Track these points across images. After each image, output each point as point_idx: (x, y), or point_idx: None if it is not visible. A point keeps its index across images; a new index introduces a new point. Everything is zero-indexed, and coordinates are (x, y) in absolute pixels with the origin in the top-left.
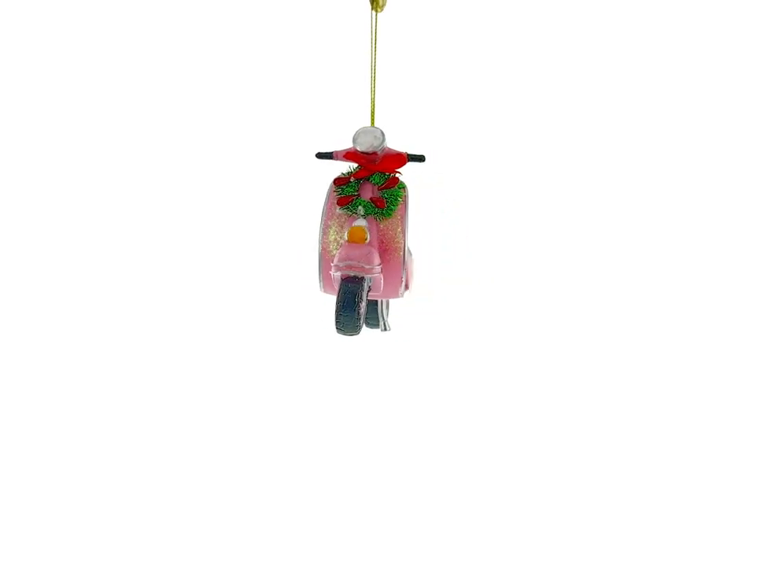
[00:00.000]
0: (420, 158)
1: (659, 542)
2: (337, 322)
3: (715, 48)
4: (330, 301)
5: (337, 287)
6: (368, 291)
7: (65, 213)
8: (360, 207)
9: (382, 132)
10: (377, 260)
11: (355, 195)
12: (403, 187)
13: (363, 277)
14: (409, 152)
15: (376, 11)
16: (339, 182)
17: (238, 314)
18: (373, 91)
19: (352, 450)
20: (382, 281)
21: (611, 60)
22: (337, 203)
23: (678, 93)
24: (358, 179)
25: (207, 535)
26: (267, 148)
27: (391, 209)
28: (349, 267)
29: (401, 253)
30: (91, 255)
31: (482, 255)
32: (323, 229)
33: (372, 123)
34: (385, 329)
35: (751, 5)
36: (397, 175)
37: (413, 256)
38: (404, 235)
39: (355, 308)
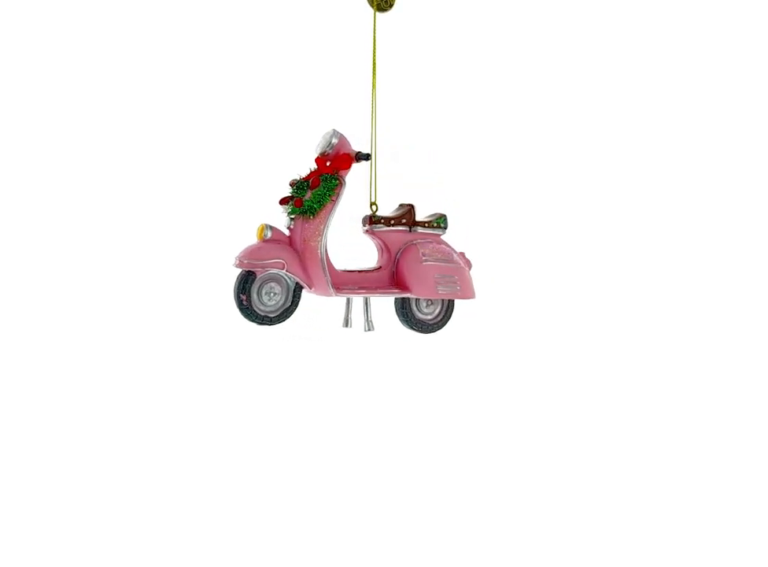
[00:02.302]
0: (365, 157)
1: (661, 543)
2: None
3: (715, 48)
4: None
5: None
6: (295, 288)
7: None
8: (285, 206)
9: (333, 134)
10: (267, 256)
11: (295, 197)
12: (332, 186)
13: (251, 271)
14: (362, 151)
15: (379, 11)
16: (291, 184)
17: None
18: (374, 92)
19: (345, 450)
20: (303, 279)
21: (611, 61)
22: (279, 202)
23: (678, 95)
24: (307, 181)
25: (194, 535)
26: (266, 149)
27: (313, 209)
28: (239, 262)
29: (318, 252)
30: (88, 255)
31: (482, 255)
32: None
33: (373, 124)
34: (368, 329)
35: (751, 5)
36: (343, 173)
37: (458, 265)
38: (321, 235)
39: (238, 299)
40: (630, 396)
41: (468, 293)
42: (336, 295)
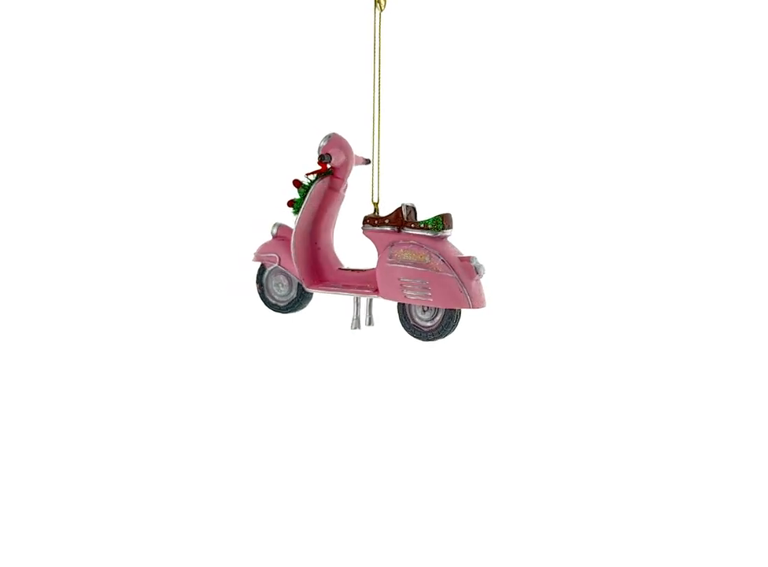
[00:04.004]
0: (320, 158)
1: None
2: None
3: (715, 48)
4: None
5: None
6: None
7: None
8: None
9: (324, 137)
10: (266, 251)
11: None
12: (307, 188)
13: (262, 264)
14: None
15: (380, 9)
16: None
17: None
18: (376, 91)
19: (341, 451)
20: (293, 273)
21: (612, 58)
22: None
23: (677, 96)
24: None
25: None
26: (268, 148)
27: (297, 208)
28: (253, 256)
29: (291, 248)
30: (88, 255)
31: (490, 262)
32: None
33: (376, 122)
34: (354, 327)
35: (751, 5)
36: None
37: (433, 270)
38: (294, 231)
39: (255, 287)
40: (639, 411)
41: (444, 301)
42: (307, 290)
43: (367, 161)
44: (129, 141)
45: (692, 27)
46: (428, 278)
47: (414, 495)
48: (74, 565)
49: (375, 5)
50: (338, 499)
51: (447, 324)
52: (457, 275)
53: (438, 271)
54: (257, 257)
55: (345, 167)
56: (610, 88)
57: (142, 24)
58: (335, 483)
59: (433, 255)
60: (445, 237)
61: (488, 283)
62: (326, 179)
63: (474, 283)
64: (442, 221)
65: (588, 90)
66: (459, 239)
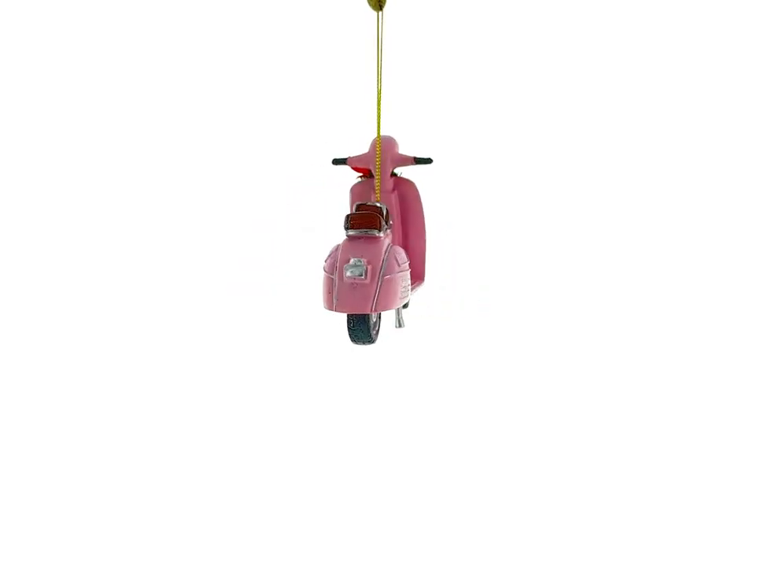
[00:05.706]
0: (332, 162)
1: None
2: None
3: (715, 48)
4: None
5: None
6: None
7: (70, 219)
8: None
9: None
10: None
11: None
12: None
13: None
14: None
15: (378, 11)
16: None
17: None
18: (379, 92)
19: (344, 453)
20: None
21: (613, 63)
22: None
23: (676, 97)
24: None
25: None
26: (272, 148)
27: None
28: None
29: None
30: (93, 259)
31: (471, 264)
32: None
33: (378, 122)
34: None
35: (751, 5)
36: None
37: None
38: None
39: None
40: (610, 394)
41: (324, 301)
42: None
43: (419, 161)
44: (128, 151)
45: (690, 27)
46: (323, 278)
47: (410, 492)
48: (74, 565)
49: (377, 11)
50: (336, 496)
51: (349, 327)
52: (336, 276)
53: (324, 271)
54: None
55: (376, 168)
56: (607, 89)
57: (160, 27)
58: (332, 481)
59: (332, 254)
60: (363, 237)
61: (487, 283)
62: (367, 181)
63: (348, 286)
64: (348, 221)
65: (584, 97)
66: (457, 238)
